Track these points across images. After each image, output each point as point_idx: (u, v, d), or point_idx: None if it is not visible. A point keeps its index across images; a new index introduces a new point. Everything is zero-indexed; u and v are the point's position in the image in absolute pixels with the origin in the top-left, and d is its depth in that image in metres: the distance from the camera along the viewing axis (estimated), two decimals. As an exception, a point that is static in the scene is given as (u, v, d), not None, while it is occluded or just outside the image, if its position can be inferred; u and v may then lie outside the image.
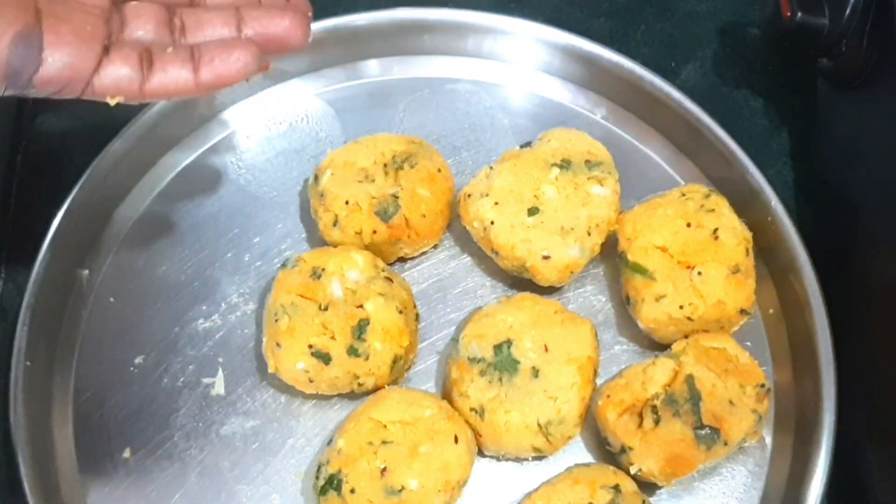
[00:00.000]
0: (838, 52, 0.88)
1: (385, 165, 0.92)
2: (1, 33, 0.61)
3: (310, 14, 0.74)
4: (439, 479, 0.81)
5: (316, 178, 0.92)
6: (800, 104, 1.02)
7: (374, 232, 0.90)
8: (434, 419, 0.83)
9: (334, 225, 0.90)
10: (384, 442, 0.82)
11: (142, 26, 0.69)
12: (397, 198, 0.90)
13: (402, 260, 0.94)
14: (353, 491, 0.80)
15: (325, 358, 0.85)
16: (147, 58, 0.68)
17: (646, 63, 0.99)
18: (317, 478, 0.83)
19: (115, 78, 0.66)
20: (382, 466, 0.81)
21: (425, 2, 1.01)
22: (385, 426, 0.82)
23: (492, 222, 0.88)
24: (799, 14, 0.87)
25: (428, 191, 0.91)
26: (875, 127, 0.85)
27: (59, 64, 0.64)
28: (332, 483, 0.81)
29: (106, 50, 0.67)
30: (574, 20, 1.05)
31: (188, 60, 0.69)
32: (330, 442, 0.85)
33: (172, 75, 0.68)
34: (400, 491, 0.80)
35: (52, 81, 0.64)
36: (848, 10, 0.85)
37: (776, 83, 1.04)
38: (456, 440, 0.83)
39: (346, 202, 0.90)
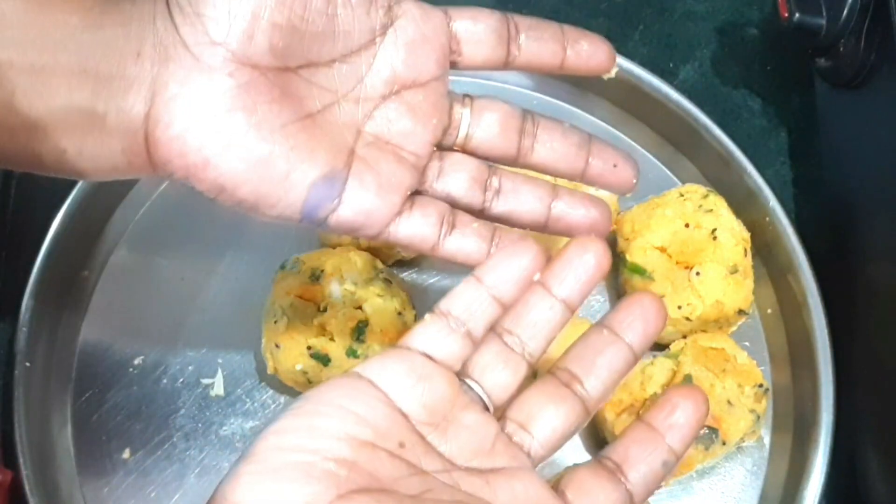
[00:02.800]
0: (836, 52, 0.87)
1: (382, 166, 0.92)
2: (307, 174, 0.61)
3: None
4: None
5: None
6: (798, 104, 1.02)
7: None
8: None
9: (332, 228, 0.90)
10: None
11: (458, 180, 0.67)
12: (396, 200, 0.90)
13: (401, 262, 0.94)
14: None
15: (323, 359, 0.85)
16: (450, 221, 0.66)
17: (644, 63, 0.99)
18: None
19: (411, 234, 0.65)
20: None
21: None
22: None
23: (490, 223, 0.88)
24: (797, 14, 0.87)
25: (426, 191, 0.91)
26: (873, 127, 0.85)
27: (353, 210, 0.63)
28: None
29: (410, 202, 0.65)
30: (572, 20, 1.02)
31: (487, 239, 0.67)
32: None
33: (468, 246, 0.66)
34: None
35: (345, 224, 0.64)
36: (846, 11, 0.85)
37: (774, 83, 1.04)
38: None
39: (344, 204, 0.90)
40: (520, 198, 0.68)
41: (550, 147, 0.68)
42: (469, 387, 0.57)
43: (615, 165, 0.68)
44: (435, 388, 0.55)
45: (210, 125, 0.59)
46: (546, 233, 0.68)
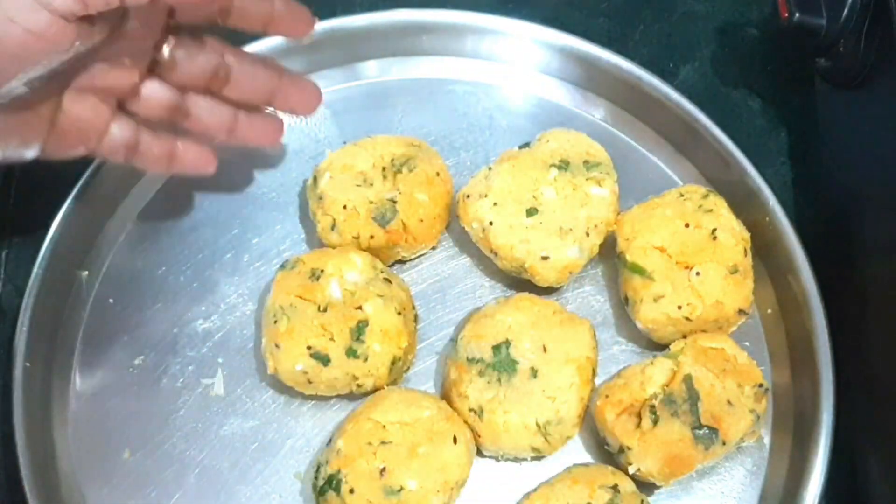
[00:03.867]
0: (836, 52, 0.88)
1: (384, 169, 0.92)
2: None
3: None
4: (438, 479, 0.81)
5: (315, 179, 0.93)
6: (798, 104, 1.02)
7: (372, 237, 0.90)
8: (433, 419, 0.83)
9: (332, 228, 0.91)
10: (383, 442, 0.82)
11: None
12: (395, 202, 0.90)
13: (401, 262, 0.94)
14: (352, 491, 0.81)
15: (323, 359, 0.85)
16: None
17: (644, 63, 0.99)
18: (316, 478, 0.83)
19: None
20: (381, 467, 0.81)
21: (423, 3, 1.01)
22: (384, 426, 0.83)
23: (490, 223, 0.89)
24: (797, 14, 0.87)
25: (426, 195, 0.91)
26: (873, 127, 0.86)
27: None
28: (331, 483, 0.81)
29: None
30: (572, 20, 1.05)
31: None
32: (329, 442, 0.85)
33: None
34: (399, 491, 0.80)
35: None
36: (846, 11, 0.85)
37: (774, 83, 1.05)
38: (455, 440, 0.83)
39: (344, 207, 0.90)
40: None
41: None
42: None
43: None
44: None
45: None
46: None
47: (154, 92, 0.82)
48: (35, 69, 0.70)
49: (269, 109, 0.92)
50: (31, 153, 0.78)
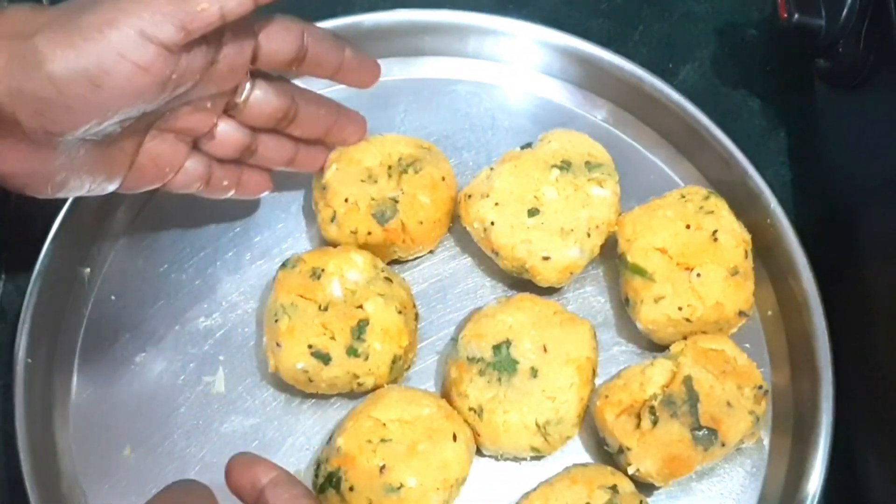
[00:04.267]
0: (835, 52, 0.88)
1: (390, 167, 0.92)
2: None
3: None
4: (438, 477, 0.82)
5: (322, 169, 0.93)
6: (797, 105, 1.02)
7: (369, 233, 0.90)
8: (433, 418, 0.84)
9: (332, 221, 0.91)
10: (383, 440, 0.82)
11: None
12: (396, 202, 0.90)
13: (399, 262, 0.94)
14: (351, 489, 0.81)
15: (324, 358, 0.85)
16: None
17: (643, 64, 0.99)
18: (316, 475, 0.84)
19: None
20: (381, 464, 0.81)
21: (423, 3, 1.01)
22: (384, 424, 0.83)
23: (492, 223, 0.89)
24: (796, 15, 0.87)
25: (429, 198, 0.91)
26: (873, 127, 0.86)
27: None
28: (332, 481, 0.82)
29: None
30: (572, 21, 1.05)
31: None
32: (329, 440, 0.85)
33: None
34: (399, 489, 0.81)
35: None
36: (845, 12, 0.85)
37: (774, 84, 1.05)
38: (454, 438, 0.83)
39: (346, 200, 0.90)
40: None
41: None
42: None
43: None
44: None
45: None
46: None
47: (227, 133, 0.85)
48: (132, 106, 0.72)
49: None
50: (111, 187, 0.81)
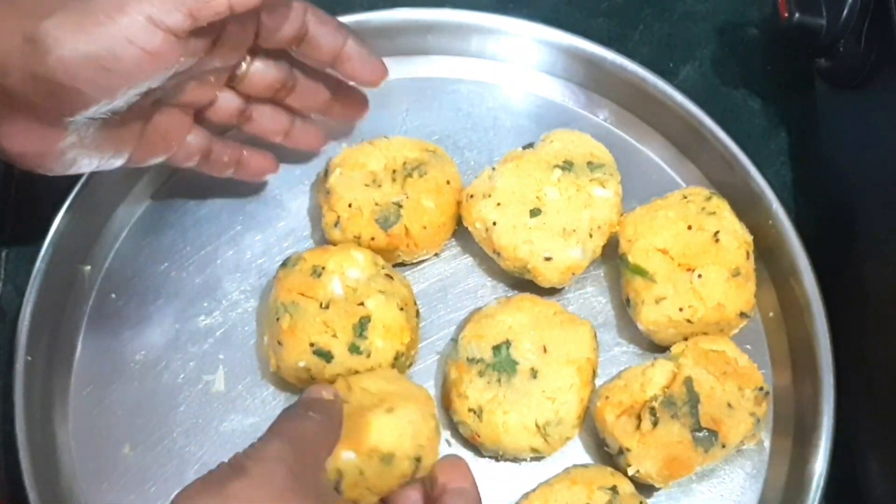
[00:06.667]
0: (836, 52, 0.88)
1: (394, 171, 0.92)
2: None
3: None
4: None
5: (326, 173, 0.93)
6: (798, 104, 1.02)
7: (373, 238, 0.90)
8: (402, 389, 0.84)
9: (335, 225, 0.91)
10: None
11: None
12: (400, 206, 0.90)
13: (402, 264, 0.94)
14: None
15: (326, 356, 0.85)
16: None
17: (644, 63, 0.99)
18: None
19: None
20: None
21: (423, 3, 1.01)
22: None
23: (494, 223, 0.89)
24: (797, 14, 0.87)
25: (433, 202, 0.91)
26: (873, 127, 0.86)
27: None
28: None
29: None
30: (572, 20, 1.05)
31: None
32: None
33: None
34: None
35: None
36: (845, 11, 0.85)
37: (774, 83, 1.05)
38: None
39: (350, 205, 0.90)
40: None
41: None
42: None
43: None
44: None
45: None
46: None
47: (226, 102, 0.88)
48: (140, 87, 0.73)
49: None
50: (119, 162, 0.82)
